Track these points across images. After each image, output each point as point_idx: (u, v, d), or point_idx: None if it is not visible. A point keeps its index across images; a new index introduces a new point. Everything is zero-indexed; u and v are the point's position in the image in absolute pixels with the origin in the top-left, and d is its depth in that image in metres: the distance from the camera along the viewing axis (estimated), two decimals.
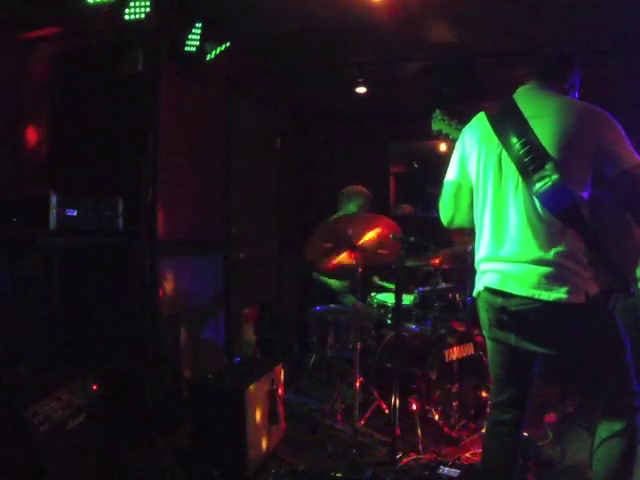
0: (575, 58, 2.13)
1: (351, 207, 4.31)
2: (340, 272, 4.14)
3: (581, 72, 2.15)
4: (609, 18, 3.66)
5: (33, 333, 2.88)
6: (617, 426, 1.89)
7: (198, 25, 3.43)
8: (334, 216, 4.38)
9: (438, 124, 2.38)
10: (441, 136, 2.39)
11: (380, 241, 3.38)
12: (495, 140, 2.01)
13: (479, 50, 4.44)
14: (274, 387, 3.07)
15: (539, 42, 3.97)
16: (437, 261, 3.74)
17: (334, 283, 4.33)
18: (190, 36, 3.43)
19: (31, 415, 2.15)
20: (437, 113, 2.39)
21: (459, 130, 2.28)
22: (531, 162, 1.89)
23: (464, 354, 3.50)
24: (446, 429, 3.25)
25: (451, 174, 2.20)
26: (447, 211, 2.23)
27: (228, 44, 3.64)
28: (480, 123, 2.11)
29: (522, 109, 1.99)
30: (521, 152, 1.91)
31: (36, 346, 2.89)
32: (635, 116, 2.68)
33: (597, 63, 3.93)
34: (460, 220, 2.21)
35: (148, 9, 2.93)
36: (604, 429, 1.92)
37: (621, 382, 1.92)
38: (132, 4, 2.91)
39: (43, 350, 2.94)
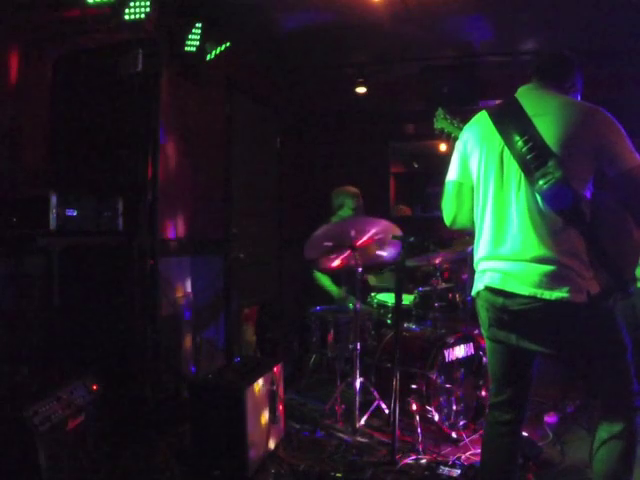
0: (575, 59, 2.13)
1: (346, 210, 4.35)
2: (340, 274, 4.16)
3: (583, 73, 2.15)
4: (609, 18, 3.66)
5: (33, 333, 2.88)
6: (617, 427, 1.88)
7: (198, 25, 3.43)
8: (333, 218, 4.40)
9: (440, 122, 2.37)
10: (443, 135, 2.37)
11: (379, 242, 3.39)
12: (497, 138, 2.01)
13: (479, 50, 4.44)
14: (274, 387, 3.07)
15: (541, 43, 3.97)
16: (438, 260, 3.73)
17: (332, 289, 4.33)
18: (190, 36, 3.43)
19: (31, 415, 2.14)
20: (440, 112, 2.38)
21: (461, 129, 2.28)
22: (534, 160, 1.88)
23: (464, 354, 3.50)
24: (446, 429, 3.25)
25: (452, 173, 2.20)
26: (449, 211, 2.22)
27: (228, 44, 3.65)
28: (481, 121, 2.11)
29: (524, 108, 1.99)
30: (524, 149, 1.91)
31: (36, 346, 2.89)
32: (636, 118, 2.68)
33: (598, 64, 3.93)
34: (462, 220, 2.20)
35: (148, 9, 2.93)
36: (604, 430, 1.91)
37: (621, 382, 1.92)
38: (132, 4, 2.91)
39: (43, 350, 2.93)
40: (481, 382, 3.48)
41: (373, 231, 3.32)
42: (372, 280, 4.64)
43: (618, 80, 4.45)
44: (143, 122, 3.24)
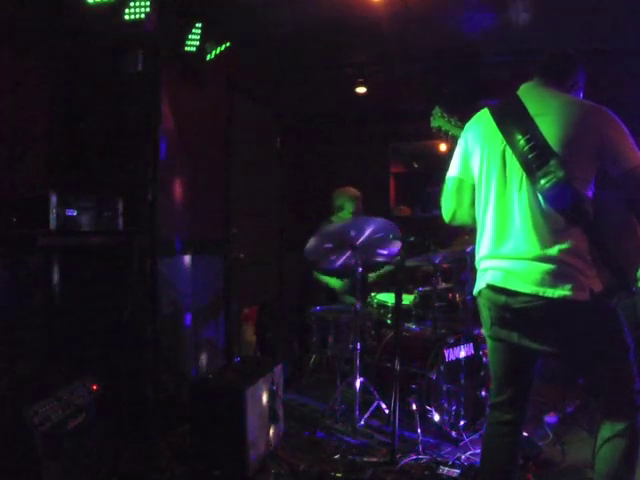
0: (577, 58, 2.14)
1: (345, 213, 4.37)
2: (340, 271, 4.17)
3: (585, 72, 2.15)
4: (609, 19, 3.66)
5: (33, 333, 2.88)
6: (619, 426, 1.88)
7: (198, 25, 3.43)
8: (333, 218, 4.41)
9: (437, 121, 2.37)
10: (440, 133, 2.37)
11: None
12: (499, 137, 2.01)
13: (480, 50, 4.44)
14: (274, 387, 3.07)
15: (541, 42, 3.96)
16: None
17: (334, 283, 4.34)
18: (190, 36, 3.43)
19: (31, 415, 2.15)
20: (436, 110, 2.37)
21: (459, 127, 2.27)
22: (535, 159, 1.88)
23: (464, 354, 3.50)
24: (446, 429, 3.25)
25: (453, 170, 2.20)
26: (449, 207, 2.22)
27: (228, 44, 3.64)
28: (483, 119, 2.10)
29: (527, 107, 1.98)
30: (525, 148, 1.91)
31: (36, 346, 2.89)
32: (637, 117, 2.68)
33: (598, 63, 3.93)
34: (461, 216, 2.20)
35: (148, 9, 2.93)
36: (606, 429, 1.91)
37: (623, 381, 1.91)
38: (132, 4, 2.90)
39: (43, 350, 2.93)
40: (481, 382, 3.48)
41: (372, 229, 3.32)
42: (371, 279, 4.65)
43: (618, 80, 4.45)
44: (143, 122, 3.24)
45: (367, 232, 3.34)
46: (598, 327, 1.91)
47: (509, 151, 1.97)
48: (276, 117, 5.30)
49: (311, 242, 3.35)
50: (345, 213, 4.38)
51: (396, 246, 3.44)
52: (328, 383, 3.94)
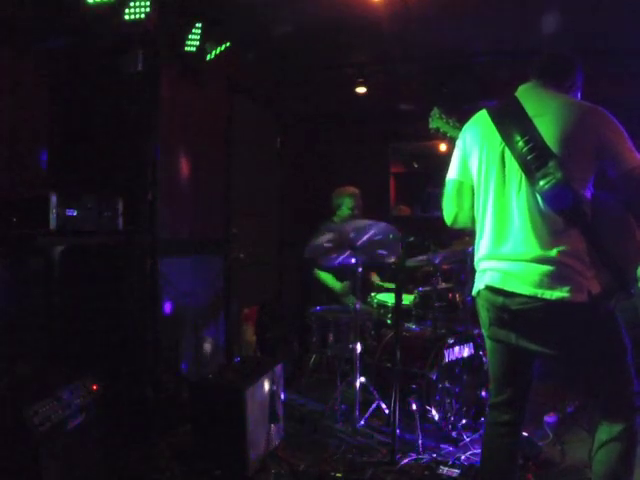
0: (576, 58, 2.14)
1: (344, 210, 4.37)
2: (340, 271, 4.17)
3: (583, 72, 2.15)
4: (609, 19, 3.66)
5: (33, 333, 2.88)
6: (617, 427, 1.88)
7: (198, 25, 3.43)
8: (334, 218, 4.41)
9: (436, 122, 2.36)
10: (439, 134, 2.37)
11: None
12: (497, 138, 2.01)
13: (479, 50, 4.44)
14: (274, 387, 3.07)
15: (540, 42, 3.96)
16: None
17: (335, 285, 4.34)
18: (190, 36, 3.43)
19: (31, 415, 2.14)
20: (435, 111, 2.37)
21: (457, 128, 2.27)
22: (534, 160, 1.88)
23: (464, 354, 3.50)
24: (446, 429, 3.25)
25: (453, 172, 2.20)
26: (450, 211, 2.22)
27: (228, 44, 3.65)
28: (482, 121, 2.10)
29: (525, 107, 1.98)
30: (524, 150, 1.90)
31: (36, 346, 2.89)
32: (637, 118, 2.68)
33: (598, 63, 3.93)
34: (463, 219, 2.20)
35: (148, 9, 2.93)
36: (603, 431, 1.91)
37: (621, 383, 1.92)
38: (132, 4, 2.90)
39: (43, 350, 2.93)
40: (481, 382, 3.48)
41: (372, 232, 3.32)
42: (376, 279, 4.66)
43: (618, 80, 4.45)
44: (143, 122, 3.24)
45: (367, 235, 3.34)
46: (596, 329, 1.91)
47: (508, 152, 1.97)
48: (276, 117, 5.30)
49: (311, 241, 3.35)
50: (344, 210, 4.38)
51: (396, 249, 3.43)
52: (328, 383, 3.94)
